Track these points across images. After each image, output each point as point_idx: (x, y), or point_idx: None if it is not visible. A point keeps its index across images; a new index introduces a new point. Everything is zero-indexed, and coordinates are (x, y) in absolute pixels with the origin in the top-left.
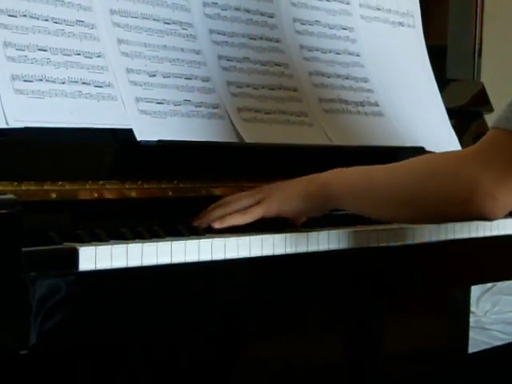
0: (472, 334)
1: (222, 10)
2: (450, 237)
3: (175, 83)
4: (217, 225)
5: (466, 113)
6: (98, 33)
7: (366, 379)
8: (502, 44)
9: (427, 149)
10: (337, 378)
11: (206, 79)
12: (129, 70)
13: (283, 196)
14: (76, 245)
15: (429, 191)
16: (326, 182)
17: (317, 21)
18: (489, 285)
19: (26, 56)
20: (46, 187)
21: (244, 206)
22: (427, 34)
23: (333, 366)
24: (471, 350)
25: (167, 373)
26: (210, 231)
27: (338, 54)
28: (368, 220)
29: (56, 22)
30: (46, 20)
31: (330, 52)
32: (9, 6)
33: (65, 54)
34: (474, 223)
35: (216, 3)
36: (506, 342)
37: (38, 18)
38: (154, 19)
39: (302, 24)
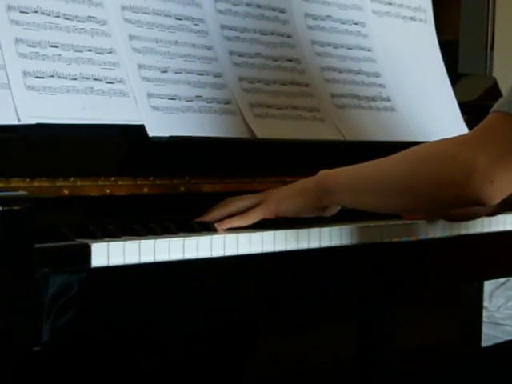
0: (485, 329)
1: (234, 5)
2: (463, 232)
3: (187, 79)
4: (218, 227)
5: (479, 108)
6: (110, 29)
7: (378, 374)
8: None
9: None
10: (349, 373)
11: (217, 75)
12: (140, 66)
13: (282, 196)
14: (88, 241)
15: (426, 176)
16: (323, 177)
17: (328, 16)
18: (502, 280)
19: (37, 52)
20: (58, 184)
21: (244, 207)
22: (439, 29)
23: (345, 361)
24: (484, 345)
25: (179, 368)
26: None
27: (350, 49)
28: (381, 215)
29: (67, 19)
30: (58, 16)
31: (342, 47)
32: (20, 3)
33: (76, 51)
34: (487, 218)
35: None
36: None
37: (49, 15)
38: (166, 15)
39: (314, 19)
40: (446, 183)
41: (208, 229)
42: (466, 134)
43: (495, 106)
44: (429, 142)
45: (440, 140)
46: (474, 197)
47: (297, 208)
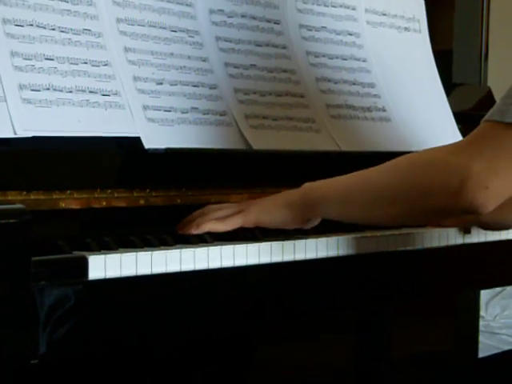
0: (481, 339)
1: (229, 17)
2: (459, 241)
3: (182, 91)
4: (193, 230)
5: (473, 117)
6: (105, 41)
7: None
8: (509, 48)
9: None
10: (347, 383)
11: (213, 86)
12: (136, 78)
13: (263, 206)
14: (85, 253)
15: (418, 183)
16: (308, 189)
17: (323, 27)
18: (498, 289)
19: (33, 65)
20: (54, 196)
21: (224, 215)
22: (433, 39)
23: (342, 371)
24: (480, 354)
25: (176, 381)
26: (219, 238)
27: (345, 59)
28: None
29: (63, 31)
30: (53, 29)
31: (337, 58)
32: (15, 16)
33: (72, 63)
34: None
35: (222, 10)
36: None
37: (44, 28)
38: (161, 27)
39: (309, 30)
40: (440, 189)
41: (205, 241)
42: (459, 142)
43: (487, 116)
44: (423, 149)
45: (431, 148)
46: (468, 203)
47: (279, 220)
